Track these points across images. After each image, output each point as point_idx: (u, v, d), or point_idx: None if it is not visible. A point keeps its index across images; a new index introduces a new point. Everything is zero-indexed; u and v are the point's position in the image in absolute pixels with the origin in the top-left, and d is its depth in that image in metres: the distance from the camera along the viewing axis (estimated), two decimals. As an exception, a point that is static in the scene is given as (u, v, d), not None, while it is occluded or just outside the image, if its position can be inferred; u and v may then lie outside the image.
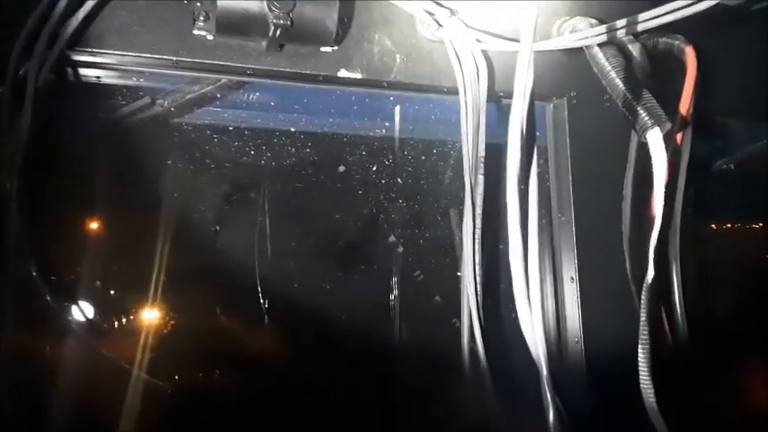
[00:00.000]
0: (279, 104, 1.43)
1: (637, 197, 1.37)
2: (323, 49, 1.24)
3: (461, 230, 1.29)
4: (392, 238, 1.63)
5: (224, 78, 1.34)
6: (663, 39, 1.41)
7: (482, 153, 1.29)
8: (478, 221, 1.27)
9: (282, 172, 1.49)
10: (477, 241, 1.26)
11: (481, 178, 1.28)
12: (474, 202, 1.27)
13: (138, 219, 1.38)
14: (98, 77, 1.20)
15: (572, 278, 1.39)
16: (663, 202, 1.13)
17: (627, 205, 1.39)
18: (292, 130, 1.48)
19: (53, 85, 1.06)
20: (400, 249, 1.65)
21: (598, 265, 1.39)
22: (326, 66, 1.26)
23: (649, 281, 1.14)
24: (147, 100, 1.28)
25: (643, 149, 1.33)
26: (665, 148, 1.16)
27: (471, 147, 1.29)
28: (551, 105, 1.49)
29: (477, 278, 1.25)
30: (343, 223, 1.58)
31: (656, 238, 1.16)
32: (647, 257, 1.17)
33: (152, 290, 1.38)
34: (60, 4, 0.98)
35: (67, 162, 1.26)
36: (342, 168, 1.54)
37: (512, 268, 1.06)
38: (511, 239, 1.05)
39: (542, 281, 1.45)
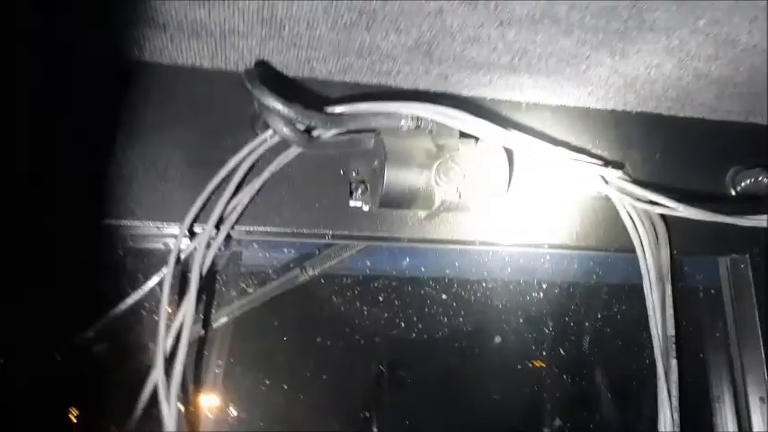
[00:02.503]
0: (429, 269, 1.35)
1: None
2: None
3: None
4: (558, 422, 1.41)
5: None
6: None
7: (672, 332, 1.10)
8: (676, 416, 1.05)
9: (435, 345, 1.36)
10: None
11: (674, 363, 1.08)
12: (669, 391, 1.06)
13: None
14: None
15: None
16: None
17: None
18: (443, 297, 1.37)
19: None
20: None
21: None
22: (484, 232, 1.17)
23: None
24: (296, 271, 1.25)
25: None
26: None
27: (660, 325, 1.10)
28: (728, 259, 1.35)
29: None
30: (500, 404, 1.39)
31: None
32: None
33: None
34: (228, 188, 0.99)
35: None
36: (498, 339, 1.40)
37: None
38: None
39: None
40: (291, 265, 1.27)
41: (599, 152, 1.21)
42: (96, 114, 1.01)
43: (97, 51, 1.00)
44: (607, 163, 1.14)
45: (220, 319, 1.22)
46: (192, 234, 1.01)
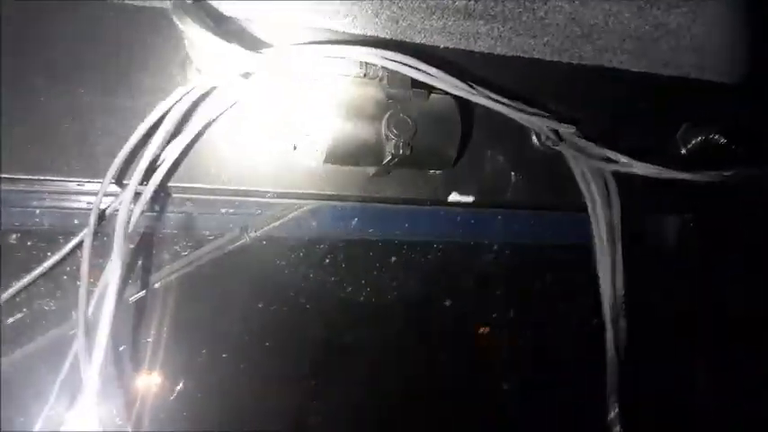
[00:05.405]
0: (378, 229, 1.29)
1: None
2: (432, 170, 1.11)
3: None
4: (506, 386, 1.40)
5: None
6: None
7: (622, 292, 1.09)
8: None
9: (382, 309, 1.31)
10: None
11: (624, 324, 1.07)
12: (618, 351, 1.05)
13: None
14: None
15: None
16: None
17: None
18: (393, 260, 1.32)
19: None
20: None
21: None
22: (435, 190, 1.12)
23: None
24: (235, 232, 1.17)
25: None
26: None
27: (609, 285, 1.09)
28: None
29: None
30: (449, 368, 1.36)
31: None
32: None
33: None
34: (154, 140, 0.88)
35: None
36: (448, 303, 1.36)
37: None
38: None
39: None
40: (231, 226, 1.19)
41: (552, 107, 1.17)
42: (5, 53, 0.88)
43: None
44: (561, 118, 1.11)
45: (152, 285, 1.13)
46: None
